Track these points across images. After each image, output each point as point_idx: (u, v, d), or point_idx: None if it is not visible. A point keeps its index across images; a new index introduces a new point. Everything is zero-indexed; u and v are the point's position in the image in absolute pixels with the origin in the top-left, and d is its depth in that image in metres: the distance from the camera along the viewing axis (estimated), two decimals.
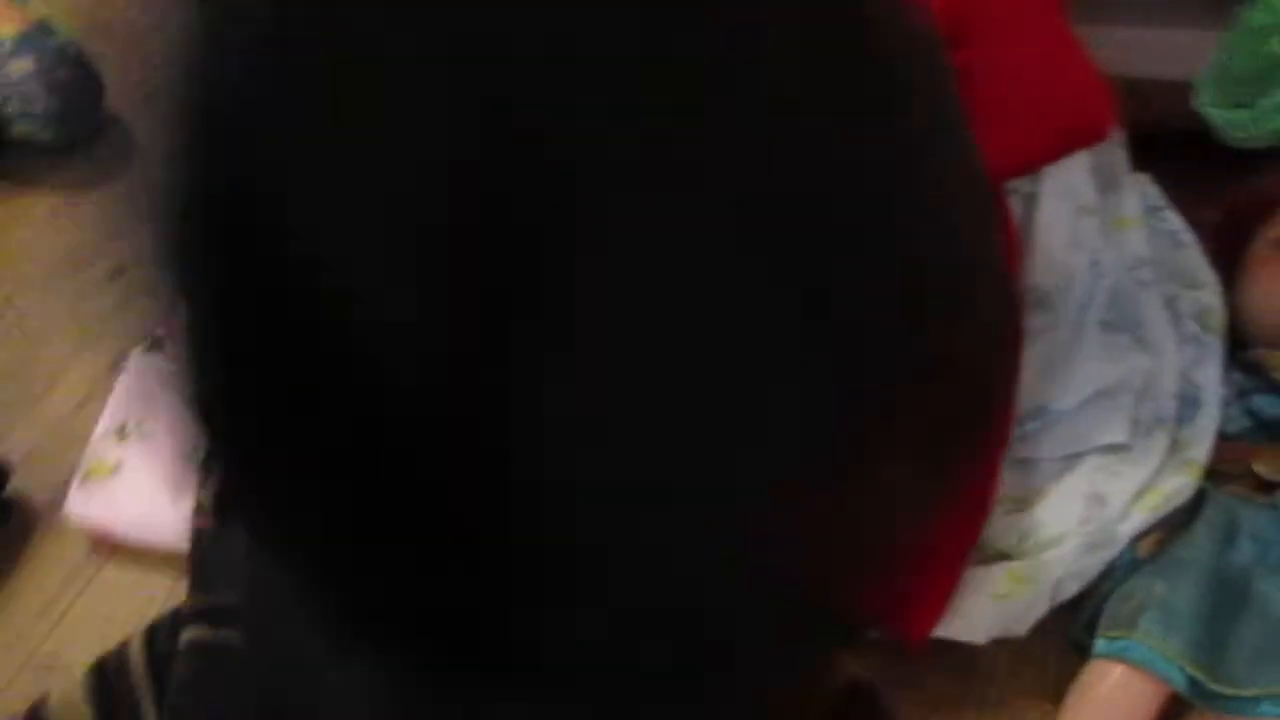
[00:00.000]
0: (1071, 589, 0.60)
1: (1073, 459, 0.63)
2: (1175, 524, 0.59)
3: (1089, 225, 0.67)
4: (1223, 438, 0.62)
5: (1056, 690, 0.58)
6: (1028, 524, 0.62)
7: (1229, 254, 0.70)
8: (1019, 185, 0.67)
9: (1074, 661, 0.58)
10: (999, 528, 0.62)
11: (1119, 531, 0.59)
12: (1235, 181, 0.72)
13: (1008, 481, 0.64)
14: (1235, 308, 0.68)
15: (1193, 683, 0.53)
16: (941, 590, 0.59)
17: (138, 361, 0.75)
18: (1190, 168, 0.75)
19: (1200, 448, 0.62)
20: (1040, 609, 0.59)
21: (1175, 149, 0.74)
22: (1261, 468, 0.59)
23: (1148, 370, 0.66)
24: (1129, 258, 0.70)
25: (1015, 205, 0.66)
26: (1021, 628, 0.60)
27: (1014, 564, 0.59)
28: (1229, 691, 0.52)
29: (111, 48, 0.99)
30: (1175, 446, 0.63)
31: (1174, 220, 0.72)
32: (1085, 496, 0.61)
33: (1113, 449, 0.63)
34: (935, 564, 0.59)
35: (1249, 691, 0.52)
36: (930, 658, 0.60)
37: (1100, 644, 0.55)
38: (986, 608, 0.59)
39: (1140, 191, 0.73)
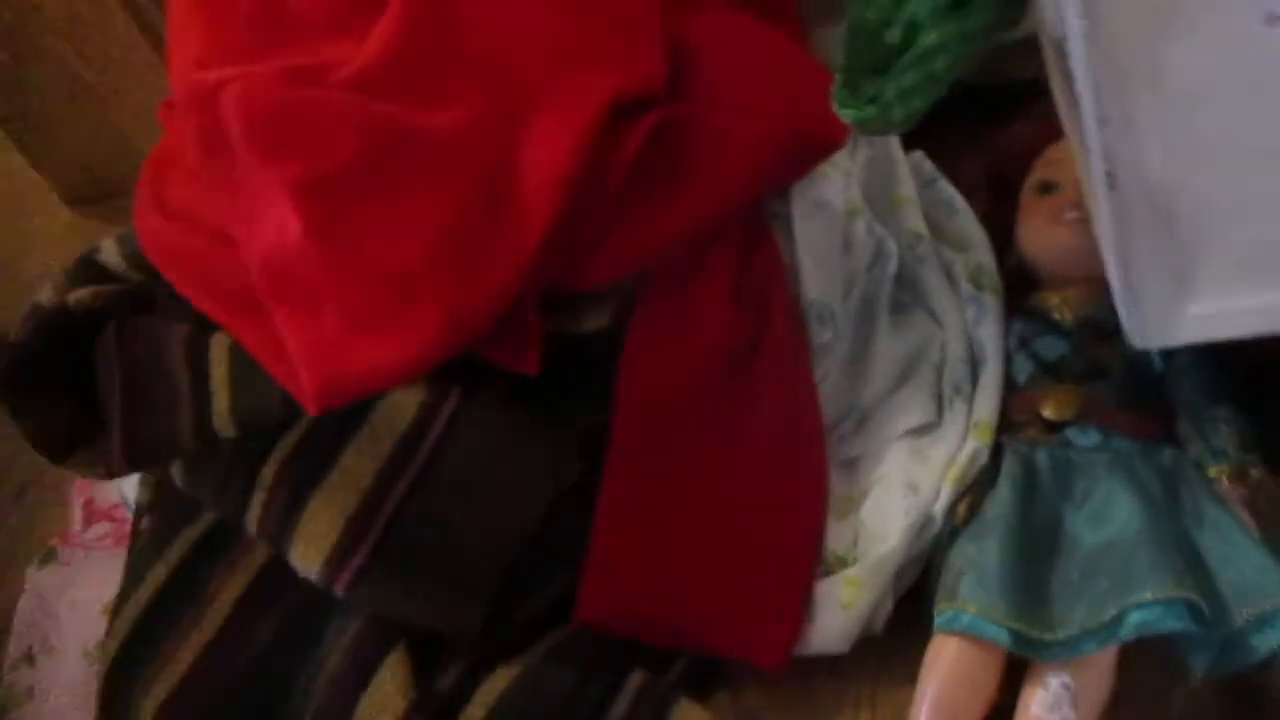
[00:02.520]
0: (912, 575, 0.62)
1: (887, 448, 0.65)
2: (982, 485, 0.61)
3: (859, 225, 0.69)
4: (1014, 389, 0.64)
5: None
6: (856, 525, 0.63)
7: (1000, 205, 0.72)
8: (775, 208, 0.69)
9: None
10: (834, 533, 0.64)
11: (935, 512, 0.61)
12: (993, 133, 0.75)
13: (835, 485, 0.66)
14: (1017, 256, 0.70)
15: (1017, 637, 0.54)
16: (785, 611, 0.61)
17: (34, 582, 0.79)
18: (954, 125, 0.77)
19: (986, 407, 0.63)
20: (888, 605, 0.61)
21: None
22: (1049, 410, 0.61)
23: (940, 342, 0.68)
24: (907, 235, 0.73)
25: (777, 229, 0.69)
26: (878, 626, 0.61)
27: (850, 571, 0.61)
28: (1049, 636, 0.53)
29: None
30: (971, 410, 0.65)
31: (946, 189, 0.75)
32: (903, 486, 0.62)
33: (923, 429, 0.65)
34: (764, 586, 0.61)
35: (1067, 632, 0.53)
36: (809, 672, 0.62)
37: (936, 619, 0.56)
38: (839, 617, 0.60)
39: (914, 168, 0.76)
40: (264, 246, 0.60)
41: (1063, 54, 0.46)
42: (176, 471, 0.66)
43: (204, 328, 0.65)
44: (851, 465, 0.67)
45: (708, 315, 0.66)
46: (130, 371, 0.64)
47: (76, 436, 0.65)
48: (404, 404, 0.63)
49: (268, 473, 0.62)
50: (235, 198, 0.60)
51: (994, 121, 0.76)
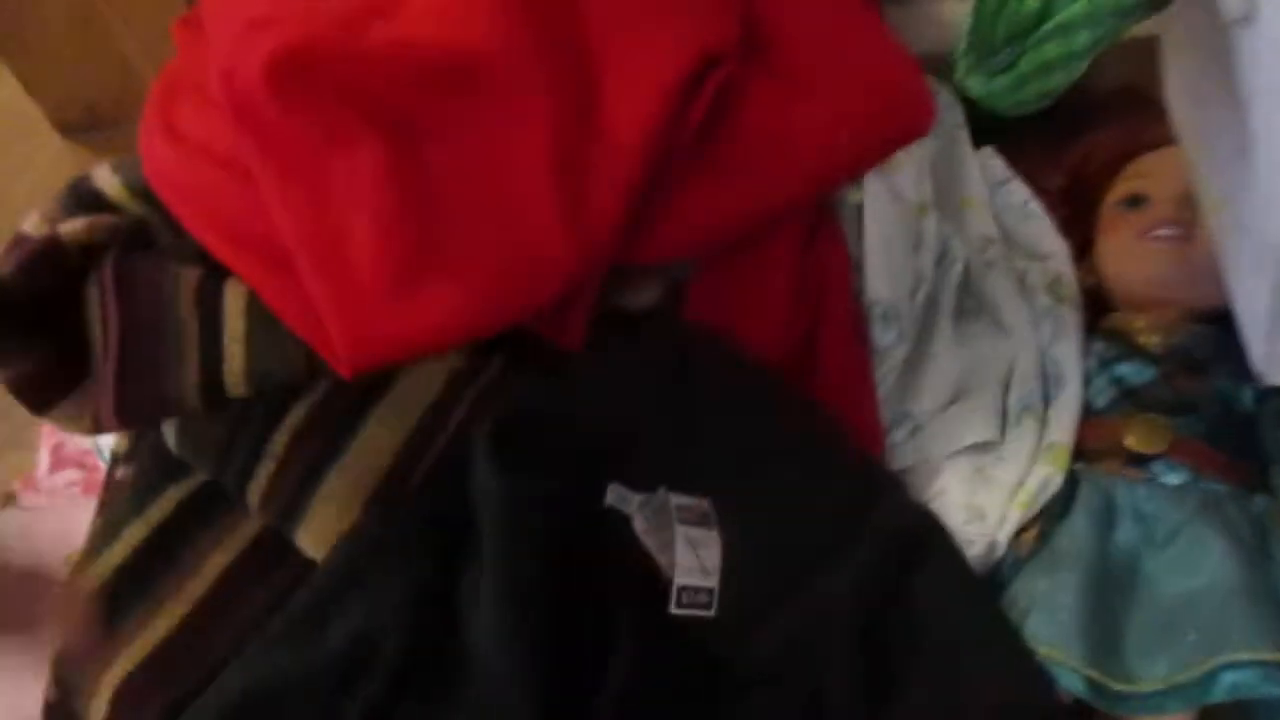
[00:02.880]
0: None
1: (945, 464, 0.61)
2: (1051, 515, 0.57)
3: (929, 222, 0.65)
4: (1091, 414, 0.60)
5: None
6: None
7: (1078, 219, 0.68)
8: (846, 195, 0.64)
9: None
10: None
11: (1000, 540, 0.57)
12: (1074, 143, 0.70)
13: None
14: (1095, 274, 0.66)
15: (1092, 687, 0.50)
16: None
17: None
18: (1032, 133, 0.73)
19: (1062, 430, 0.59)
20: None
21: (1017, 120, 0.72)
22: (1133, 441, 0.57)
23: (1009, 354, 0.64)
24: (976, 239, 0.68)
25: (845, 219, 0.64)
26: None
27: None
28: (1129, 689, 0.49)
29: None
30: (1043, 432, 0.60)
31: (1020, 191, 0.70)
32: (963, 509, 0.58)
33: (985, 447, 0.61)
34: None
35: (1149, 686, 0.49)
36: None
37: None
38: None
39: (983, 167, 0.71)
40: (296, 193, 0.53)
41: (1232, 47, 0.41)
42: (169, 431, 0.60)
43: (215, 272, 0.58)
44: (905, 478, 0.62)
45: (764, 305, 0.61)
46: (129, 317, 0.57)
47: (61, 385, 0.58)
48: (434, 371, 0.57)
49: (279, 442, 0.56)
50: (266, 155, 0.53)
51: (1072, 131, 0.72)
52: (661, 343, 0.59)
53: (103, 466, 0.74)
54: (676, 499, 0.54)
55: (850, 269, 0.62)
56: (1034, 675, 0.51)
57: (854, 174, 0.63)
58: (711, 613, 0.53)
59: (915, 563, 0.54)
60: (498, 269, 0.53)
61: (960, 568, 0.55)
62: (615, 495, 0.54)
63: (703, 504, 0.55)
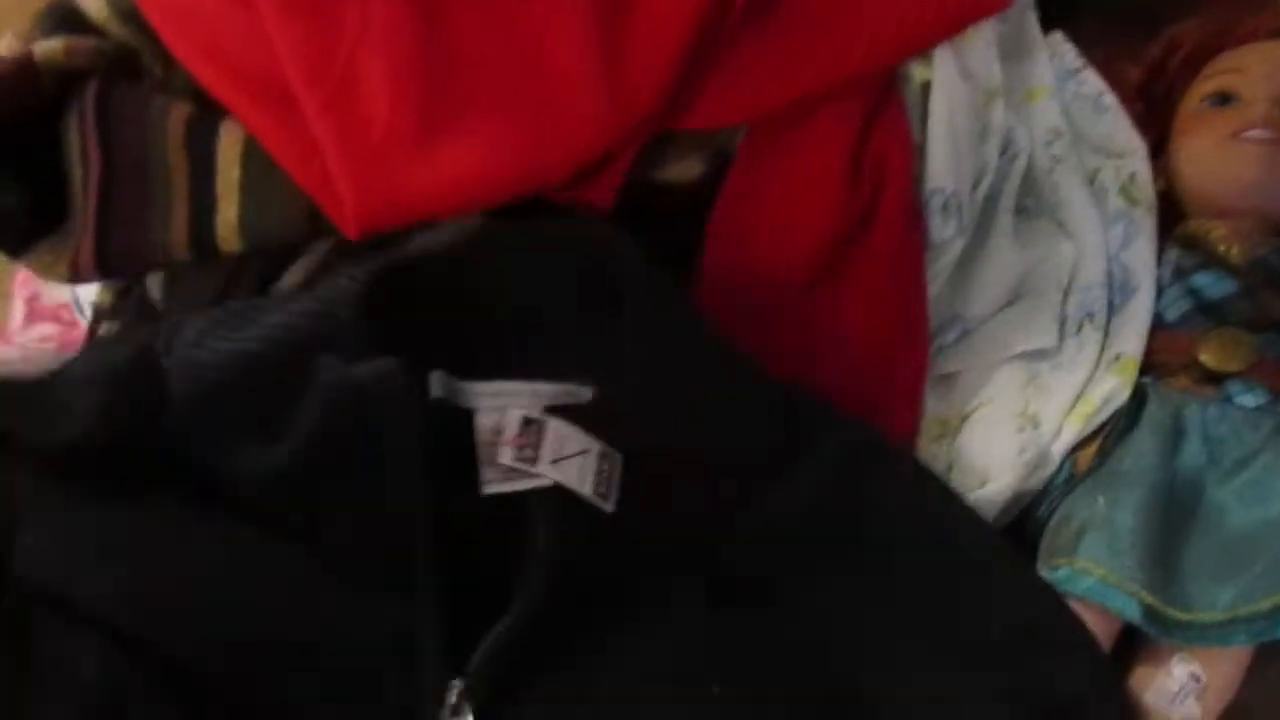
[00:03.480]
0: (1009, 518, 0.54)
1: (996, 370, 0.57)
2: (1114, 431, 0.52)
3: (996, 108, 0.59)
4: (1163, 326, 0.55)
5: None
6: (951, 453, 0.55)
7: (1157, 115, 0.62)
8: (911, 70, 0.58)
9: None
10: (924, 458, 0.56)
11: (1054, 452, 0.53)
12: (1157, 34, 0.64)
13: (930, 403, 0.57)
14: (1170, 175, 0.61)
15: (1148, 612, 0.46)
16: None
17: None
18: (1109, 23, 0.67)
19: (1132, 341, 0.55)
20: None
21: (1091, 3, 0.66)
22: (1209, 358, 0.52)
23: (1071, 258, 0.59)
24: (1042, 131, 0.62)
25: (908, 96, 0.58)
26: None
27: None
28: (1187, 617, 0.46)
29: None
30: (1107, 343, 0.56)
31: (1093, 82, 0.64)
32: (1015, 416, 0.54)
33: (1040, 354, 0.56)
34: None
35: (1211, 615, 0.46)
36: None
37: (1045, 575, 0.49)
38: None
39: (1053, 54, 0.65)
40: (303, 26, 0.47)
41: None
42: (156, 284, 0.54)
43: (210, 111, 0.52)
44: (950, 383, 0.58)
45: (816, 185, 0.56)
46: (111, 155, 0.51)
47: (37, 225, 0.52)
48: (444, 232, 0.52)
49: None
50: None
51: (1153, 19, 0.65)
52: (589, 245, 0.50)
53: (81, 323, 0.69)
54: (540, 386, 0.47)
55: (913, 153, 0.57)
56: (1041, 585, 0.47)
57: (922, 45, 0.57)
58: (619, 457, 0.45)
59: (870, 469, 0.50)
60: (529, 123, 0.48)
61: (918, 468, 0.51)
62: (440, 384, 0.46)
63: (578, 390, 0.47)
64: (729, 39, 0.52)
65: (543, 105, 0.47)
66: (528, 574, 0.44)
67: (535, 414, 0.46)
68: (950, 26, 0.57)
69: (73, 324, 0.79)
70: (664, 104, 0.50)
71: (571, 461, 0.45)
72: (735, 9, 0.50)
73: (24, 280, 0.71)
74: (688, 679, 0.47)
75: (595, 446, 0.45)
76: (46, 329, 0.72)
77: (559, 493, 0.44)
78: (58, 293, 0.70)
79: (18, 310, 0.71)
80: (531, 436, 0.45)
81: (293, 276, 0.52)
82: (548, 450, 0.45)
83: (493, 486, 0.45)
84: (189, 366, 0.45)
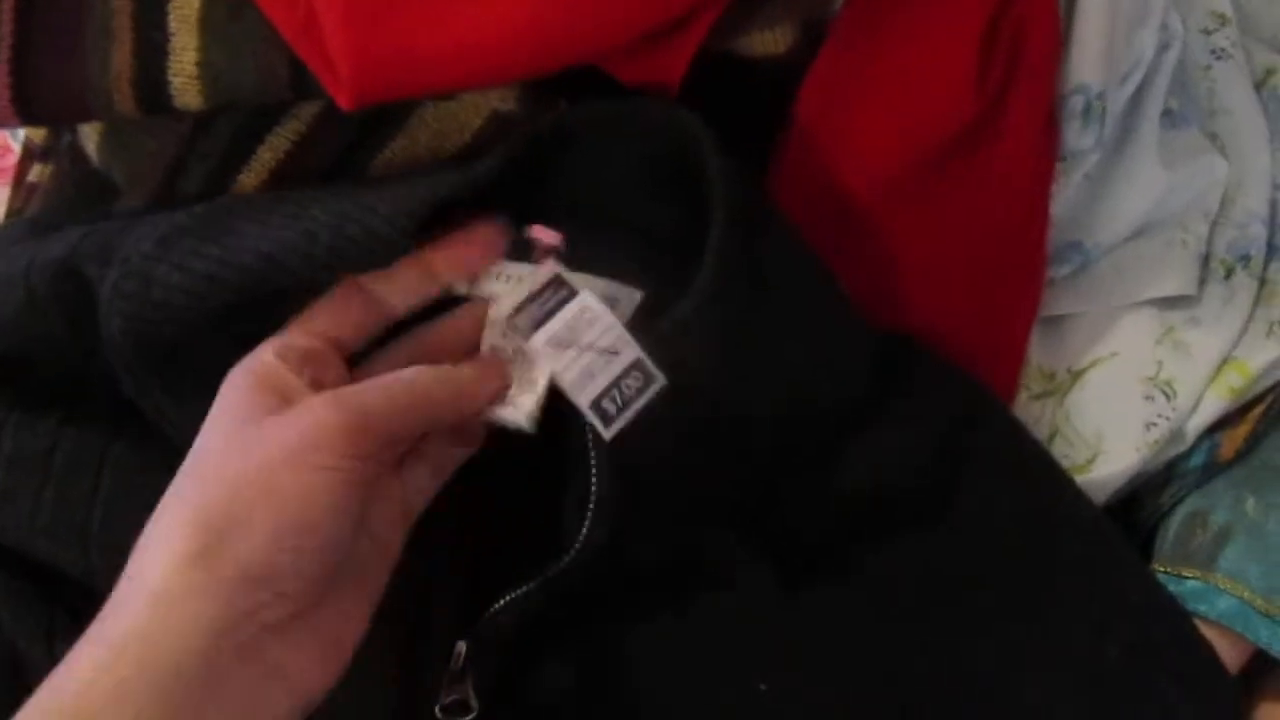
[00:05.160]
0: (1115, 497, 0.45)
1: (1120, 317, 0.47)
2: (1273, 412, 0.43)
3: None
4: None
5: None
6: (1057, 417, 0.46)
7: None
8: None
9: None
10: (1023, 417, 0.46)
11: (1188, 430, 0.43)
12: None
13: (1035, 352, 0.47)
14: None
15: None
16: None
17: None
18: None
19: None
20: None
21: None
22: None
23: (1225, 181, 0.48)
24: (1201, 17, 0.51)
25: None
26: None
27: None
28: None
29: None
30: (1265, 296, 0.46)
31: None
32: (1142, 381, 0.44)
33: (1175, 302, 0.46)
34: None
35: None
36: None
37: (1172, 587, 0.40)
38: None
39: None
40: None
41: None
42: (90, 140, 0.43)
43: None
44: (1061, 327, 0.48)
45: (931, 72, 0.44)
46: None
47: None
48: (465, 113, 0.40)
49: (246, 184, 0.40)
50: None
51: None
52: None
53: (15, 149, 0.58)
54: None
55: (1059, 38, 0.45)
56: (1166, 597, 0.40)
57: None
58: (661, 384, 0.36)
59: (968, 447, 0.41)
60: None
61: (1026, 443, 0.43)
62: None
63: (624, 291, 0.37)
64: None
65: None
66: (565, 526, 0.36)
67: (572, 282, 0.36)
68: None
69: (9, 151, 0.69)
70: None
71: (577, 354, 0.35)
72: None
73: None
74: (735, 668, 0.39)
75: (630, 355, 0.35)
76: None
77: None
78: None
79: None
80: (550, 299, 0.35)
81: (271, 149, 0.40)
82: (558, 324, 0.35)
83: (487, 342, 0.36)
84: (141, 290, 0.34)
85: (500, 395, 0.35)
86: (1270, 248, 0.47)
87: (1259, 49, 0.50)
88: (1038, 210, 0.46)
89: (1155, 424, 0.43)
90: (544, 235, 0.36)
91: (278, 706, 0.29)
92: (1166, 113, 0.50)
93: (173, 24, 0.39)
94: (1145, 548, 0.44)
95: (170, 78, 0.39)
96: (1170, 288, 0.47)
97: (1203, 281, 0.47)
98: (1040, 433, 0.46)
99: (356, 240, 0.34)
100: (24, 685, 0.28)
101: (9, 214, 0.53)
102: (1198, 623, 0.39)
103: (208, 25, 0.38)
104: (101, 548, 0.38)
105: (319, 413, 0.30)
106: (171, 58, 0.39)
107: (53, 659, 0.29)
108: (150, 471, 0.36)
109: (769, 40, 0.43)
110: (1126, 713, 0.38)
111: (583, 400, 0.34)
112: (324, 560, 0.30)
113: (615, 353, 0.35)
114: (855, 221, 0.45)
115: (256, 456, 0.30)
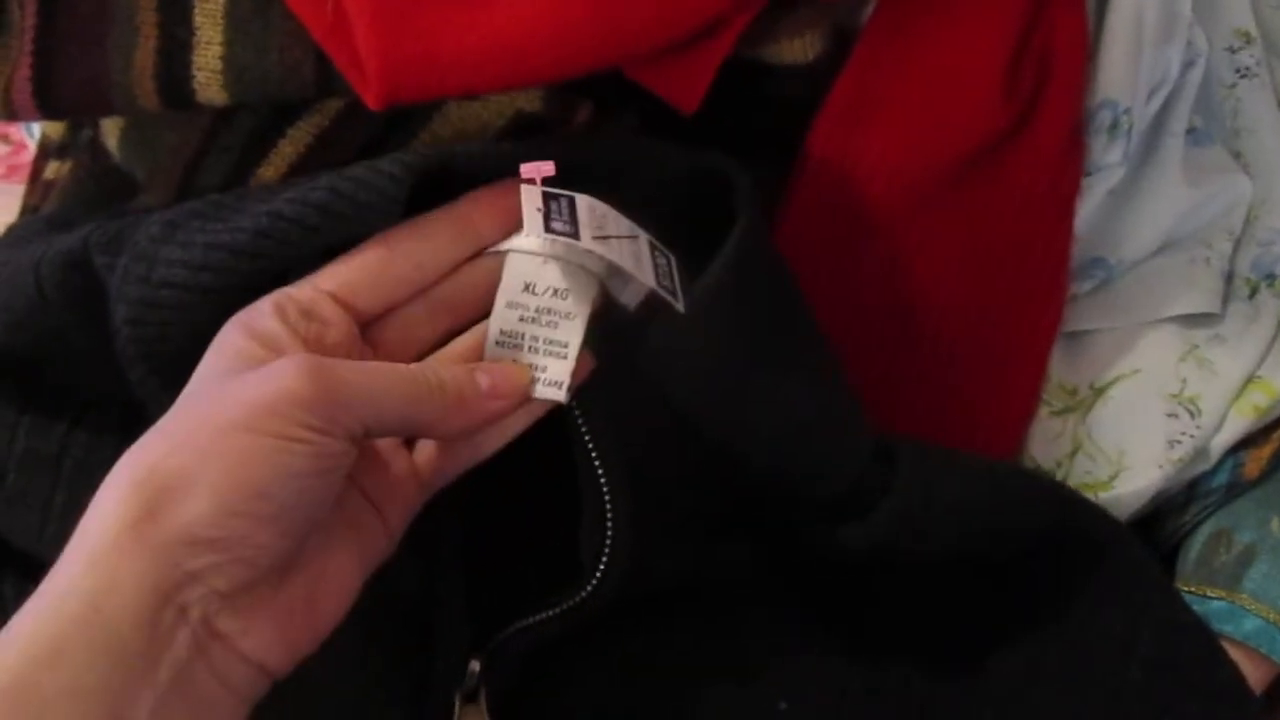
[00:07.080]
0: (1138, 515, 0.45)
1: (1143, 334, 0.46)
2: None
3: (1183, 6, 0.47)
4: None
5: None
6: (1079, 433, 0.45)
7: None
8: None
9: None
10: (1042, 433, 0.46)
11: (1212, 448, 0.43)
12: None
13: (1057, 367, 0.47)
14: None
15: None
16: None
17: None
18: None
19: None
20: None
21: None
22: None
23: (1249, 199, 0.48)
24: (1225, 35, 0.50)
25: None
26: None
27: None
28: None
29: None
30: None
31: None
32: (1165, 399, 0.44)
33: (1198, 320, 0.46)
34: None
35: None
36: None
37: (1196, 606, 0.40)
38: None
39: None
40: None
41: None
42: (110, 135, 0.43)
43: None
44: (1082, 343, 0.48)
45: (962, 81, 0.44)
46: None
47: None
48: (491, 108, 0.40)
49: (268, 173, 0.39)
50: None
51: None
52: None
53: (30, 146, 0.58)
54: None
55: (1086, 52, 0.45)
56: (1191, 616, 0.39)
57: None
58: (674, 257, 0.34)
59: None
60: None
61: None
62: None
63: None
64: None
65: None
66: (581, 546, 0.35)
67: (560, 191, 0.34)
68: None
69: (23, 146, 0.69)
70: None
71: (622, 242, 0.34)
72: None
73: None
74: (755, 688, 0.39)
75: (645, 236, 0.34)
76: None
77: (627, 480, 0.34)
78: None
79: None
80: (562, 208, 0.33)
81: (292, 143, 0.40)
82: (587, 225, 0.33)
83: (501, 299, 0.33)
84: (145, 272, 0.33)
85: (502, 416, 0.33)
86: None
87: None
88: (1062, 224, 0.46)
89: (1179, 441, 0.43)
90: (535, 170, 0.34)
91: (230, 677, 0.27)
92: (1190, 130, 0.50)
93: (197, 19, 0.38)
94: (1167, 566, 0.44)
95: (194, 72, 0.38)
96: (1193, 305, 0.46)
97: (1226, 300, 0.46)
98: (1061, 449, 0.45)
99: (348, 194, 0.33)
100: None
101: (24, 211, 0.52)
102: (1224, 643, 0.39)
103: (233, 20, 0.38)
104: None
105: (288, 378, 0.28)
106: (195, 52, 0.39)
107: None
108: None
109: (796, 48, 0.43)
110: None
111: (651, 281, 0.33)
112: (283, 530, 0.28)
113: (635, 236, 0.34)
114: (877, 230, 0.45)
115: (216, 414, 0.28)
